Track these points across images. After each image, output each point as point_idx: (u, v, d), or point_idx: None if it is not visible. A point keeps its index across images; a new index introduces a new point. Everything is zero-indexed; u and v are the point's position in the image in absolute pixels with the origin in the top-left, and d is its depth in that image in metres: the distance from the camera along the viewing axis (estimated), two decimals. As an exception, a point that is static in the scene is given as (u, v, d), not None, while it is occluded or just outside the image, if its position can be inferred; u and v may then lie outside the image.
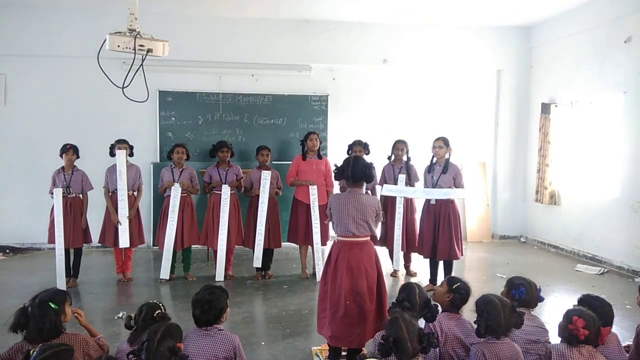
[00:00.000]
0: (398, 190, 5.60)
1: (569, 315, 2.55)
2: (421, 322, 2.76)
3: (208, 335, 2.66)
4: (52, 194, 5.34)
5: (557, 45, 7.47)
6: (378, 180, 5.92)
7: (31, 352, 2.18)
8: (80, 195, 5.50)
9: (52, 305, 2.55)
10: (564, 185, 7.39)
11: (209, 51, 7.34)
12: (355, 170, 3.39)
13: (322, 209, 5.62)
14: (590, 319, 2.50)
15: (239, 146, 7.25)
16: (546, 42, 7.72)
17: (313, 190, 5.66)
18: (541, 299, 3.05)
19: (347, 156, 3.70)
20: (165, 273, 5.54)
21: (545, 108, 7.53)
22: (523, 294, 2.99)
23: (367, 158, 5.61)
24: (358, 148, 5.74)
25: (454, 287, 2.98)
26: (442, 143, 5.28)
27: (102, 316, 4.47)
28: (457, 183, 5.27)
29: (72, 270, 5.51)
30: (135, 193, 5.66)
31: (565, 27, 7.25)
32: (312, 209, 5.67)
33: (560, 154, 7.42)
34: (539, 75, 7.92)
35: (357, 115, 7.78)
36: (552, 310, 4.44)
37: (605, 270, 6.26)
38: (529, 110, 8.05)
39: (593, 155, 6.92)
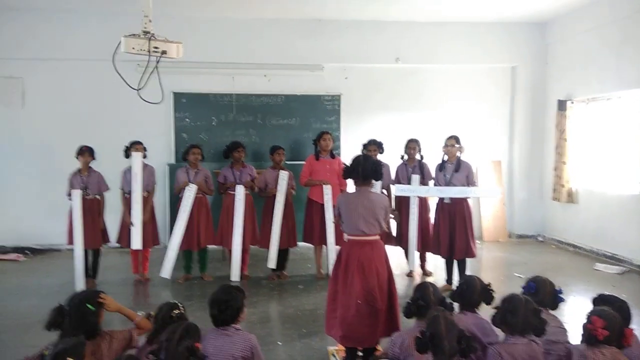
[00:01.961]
0: (411, 190, 5.57)
1: (589, 315, 2.51)
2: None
3: (226, 335, 2.67)
4: (69, 195, 5.41)
5: (573, 41, 7.36)
6: (392, 180, 5.89)
7: (45, 353, 2.20)
8: (98, 197, 5.57)
9: (90, 307, 2.58)
10: (581, 183, 7.28)
11: (221, 52, 7.38)
12: (366, 168, 3.39)
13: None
14: (611, 320, 2.46)
15: (252, 146, 7.28)
16: (562, 38, 7.61)
17: (327, 190, 5.65)
18: (561, 300, 3.00)
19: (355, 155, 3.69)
20: (166, 271, 5.46)
21: (562, 105, 7.43)
22: (532, 290, 2.95)
23: (381, 157, 5.62)
24: (373, 147, 5.72)
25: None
26: (454, 141, 5.26)
27: (121, 316, 4.50)
28: (469, 181, 5.25)
29: (91, 271, 5.58)
30: (148, 194, 5.66)
31: (581, 22, 7.15)
32: (326, 209, 5.66)
33: (578, 151, 7.32)
34: (554, 71, 7.81)
35: (370, 115, 7.75)
36: (572, 310, 4.38)
37: (626, 269, 6.15)
38: (545, 108, 7.95)
39: (611, 152, 6.81)
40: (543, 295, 2.94)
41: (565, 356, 2.61)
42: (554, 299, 2.97)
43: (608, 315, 2.47)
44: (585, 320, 2.52)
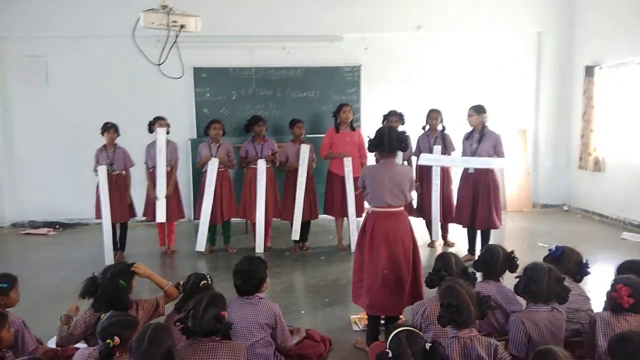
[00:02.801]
0: (435, 159, 5.51)
1: (614, 283, 2.50)
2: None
3: (250, 304, 2.75)
4: (95, 171, 5.53)
5: (601, 4, 7.06)
6: (413, 151, 5.85)
7: (102, 316, 2.34)
8: (124, 172, 5.68)
9: (122, 283, 2.71)
10: (609, 151, 7.10)
11: (239, 25, 7.31)
12: (392, 139, 3.36)
13: (357, 180, 5.61)
14: (637, 287, 2.43)
15: (272, 120, 7.27)
16: (589, 1, 7.30)
17: (347, 163, 5.64)
18: (587, 273, 2.98)
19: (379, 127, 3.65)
20: (201, 246, 5.67)
21: (589, 71, 7.19)
22: (558, 253, 2.95)
23: (402, 128, 5.56)
24: (394, 118, 5.66)
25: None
26: (473, 111, 5.17)
27: (149, 286, 4.64)
28: (497, 151, 5.15)
29: (119, 244, 5.75)
30: (170, 169, 5.73)
31: (611, -17, 6.85)
32: (346, 181, 5.67)
33: (605, 119, 7.11)
34: (582, 36, 7.53)
35: (391, 85, 7.62)
36: (597, 279, 4.33)
37: (653, 238, 6.04)
38: (572, 74, 7.70)
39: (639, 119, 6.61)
40: (568, 262, 2.93)
41: (589, 323, 2.60)
42: (579, 269, 2.96)
43: (634, 283, 2.45)
44: (610, 288, 2.50)
